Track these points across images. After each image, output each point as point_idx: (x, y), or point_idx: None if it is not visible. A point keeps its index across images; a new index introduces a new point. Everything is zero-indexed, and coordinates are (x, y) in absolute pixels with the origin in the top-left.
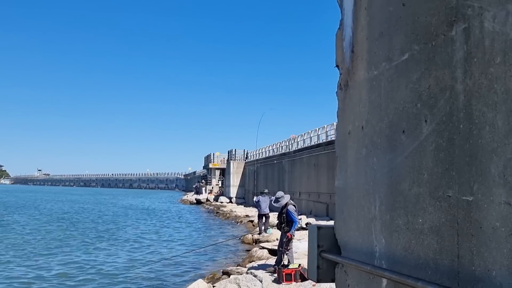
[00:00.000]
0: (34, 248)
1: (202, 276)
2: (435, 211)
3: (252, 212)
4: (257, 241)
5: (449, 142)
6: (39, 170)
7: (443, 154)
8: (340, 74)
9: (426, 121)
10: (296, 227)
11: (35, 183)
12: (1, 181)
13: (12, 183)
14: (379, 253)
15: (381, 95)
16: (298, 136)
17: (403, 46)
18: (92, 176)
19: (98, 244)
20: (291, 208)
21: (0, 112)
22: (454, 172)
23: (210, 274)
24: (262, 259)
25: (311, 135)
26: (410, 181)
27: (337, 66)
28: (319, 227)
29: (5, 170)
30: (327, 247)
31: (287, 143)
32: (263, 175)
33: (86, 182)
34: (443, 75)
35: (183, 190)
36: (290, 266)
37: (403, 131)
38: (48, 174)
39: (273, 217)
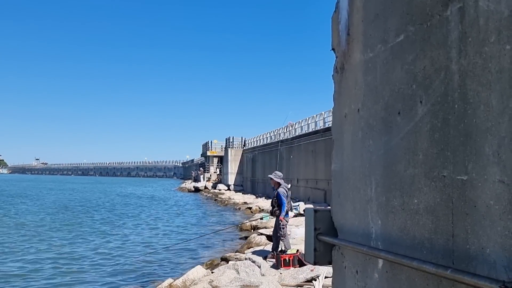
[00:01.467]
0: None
1: (201, 263)
2: (430, 191)
3: (250, 199)
4: (255, 228)
5: (444, 122)
6: (36, 159)
7: (438, 135)
8: (336, 57)
9: (421, 102)
10: (284, 211)
11: (33, 172)
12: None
13: (10, 172)
14: (375, 235)
15: (377, 77)
16: (295, 123)
17: (398, 27)
18: (90, 165)
19: (98, 233)
20: (280, 191)
21: None
22: (449, 152)
23: (208, 261)
24: (260, 245)
25: (309, 122)
26: (405, 162)
27: (333, 49)
28: (316, 210)
29: (3, 160)
30: (324, 230)
31: (285, 130)
32: (261, 162)
33: (84, 171)
34: (438, 55)
35: (181, 178)
36: (288, 252)
37: (399, 113)
38: (46, 163)
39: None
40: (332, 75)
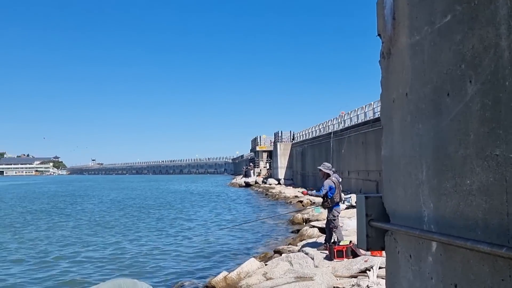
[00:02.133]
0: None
1: (254, 256)
2: (483, 171)
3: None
4: (307, 221)
5: (494, 100)
6: (93, 160)
7: (489, 113)
8: (382, 42)
9: (470, 81)
10: (316, 194)
11: (89, 172)
12: (59, 171)
13: (68, 174)
14: (427, 218)
15: (424, 60)
16: (345, 114)
17: (445, 7)
18: (143, 164)
19: (157, 225)
20: (327, 181)
21: (55, 107)
22: (501, 130)
23: (262, 254)
24: (313, 238)
25: (358, 113)
26: (456, 143)
27: (379, 35)
28: (367, 197)
29: (62, 162)
30: (375, 216)
31: (333, 122)
32: (311, 155)
33: (138, 170)
34: (486, 33)
35: (231, 174)
36: (341, 243)
37: (448, 94)
38: (102, 164)
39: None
40: (379, 61)
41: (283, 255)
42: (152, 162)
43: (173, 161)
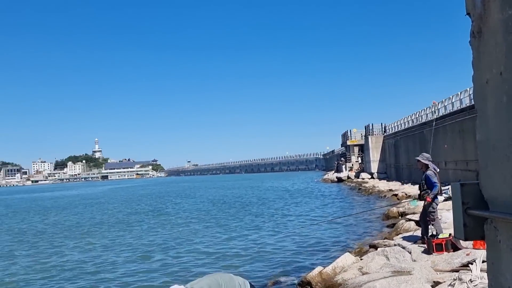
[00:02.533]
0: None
1: (349, 251)
2: None
3: (396, 186)
4: (402, 214)
5: None
6: (188, 161)
7: None
8: (472, 21)
9: None
10: (435, 192)
11: (186, 174)
12: (158, 174)
13: (166, 175)
14: None
15: None
16: (438, 103)
17: None
18: (236, 163)
19: (254, 221)
20: (429, 172)
21: (152, 113)
22: None
23: (357, 248)
24: (409, 231)
25: (453, 100)
26: None
27: (468, 14)
28: (463, 184)
29: (160, 164)
30: (472, 204)
31: (426, 112)
32: (404, 147)
33: (231, 169)
34: None
35: (323, 170)
36: (440, 236)
37: None
38: (197, 165)
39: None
40: (469, 41)
41: (379, 249)
42: (244, 161)
43: (264, 159)
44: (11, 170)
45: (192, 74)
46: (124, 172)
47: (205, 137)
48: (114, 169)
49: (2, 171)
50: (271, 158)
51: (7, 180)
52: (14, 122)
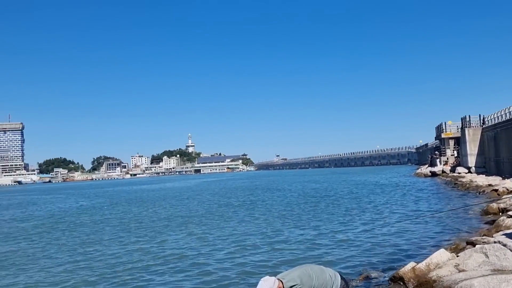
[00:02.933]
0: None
1: (444, 247)
2: None
3: (496, 181)
4: (503, 210)
5: None
6: (277, 155)
7: None
8: None
9: None
10: None
11: (274, 167)
12: (247, 168)
13: (256, 169)
14: None
15: None
16: None
17: None
18: (325, 157)
19: (345, 215)
20: None
21: (252, 108)
22: None
23: (453, 245)
24: (511, 228)
25: None
26: None
27: None
28: None
29: (249, 158)
30: None
31: None
32: (505, 140)
33: (320, 163)
34: None
35: (415, 164)
36: None
37: None
38: (285, 159)
39: None
40: None
41: (477, 246)
42: (334, 155)
43: (354, 153)
44: (112, 164)
45: (282, 69)
46: (215, 166)
47: (294, 131)
48: (206, 163)
49: (104, 165)
50: (361, 152)
51: (108, 173)
52: (115, 119)
